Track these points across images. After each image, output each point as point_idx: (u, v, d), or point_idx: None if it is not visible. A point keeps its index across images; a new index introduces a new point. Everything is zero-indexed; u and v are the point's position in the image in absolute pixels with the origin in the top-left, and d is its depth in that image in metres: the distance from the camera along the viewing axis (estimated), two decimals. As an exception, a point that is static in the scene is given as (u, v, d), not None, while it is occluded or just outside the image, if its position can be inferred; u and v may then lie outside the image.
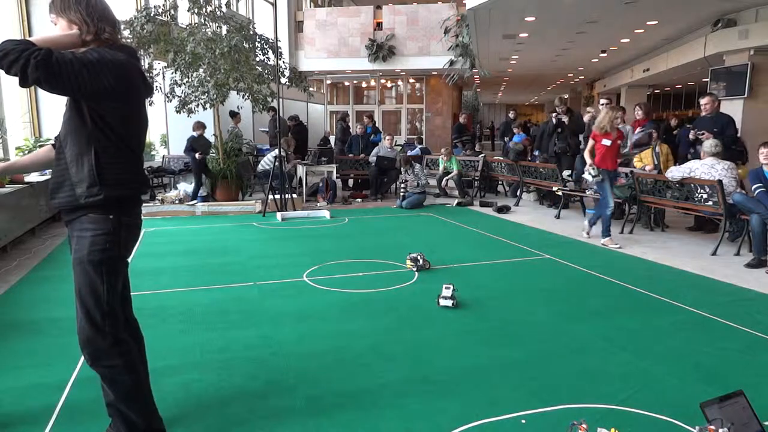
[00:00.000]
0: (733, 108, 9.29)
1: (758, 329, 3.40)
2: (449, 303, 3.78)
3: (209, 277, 4.57)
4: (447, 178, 9.60)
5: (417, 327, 3.48)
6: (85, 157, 1.86)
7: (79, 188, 1.87)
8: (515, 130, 10.06)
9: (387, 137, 10.19)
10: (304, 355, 3.05)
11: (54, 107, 7.52)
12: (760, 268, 4.84)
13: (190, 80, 7.78)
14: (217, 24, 8.02)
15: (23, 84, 1.71)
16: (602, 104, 7.84)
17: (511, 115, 10.86)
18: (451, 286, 3.84)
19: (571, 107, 8.56)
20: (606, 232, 5.81)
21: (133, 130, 1.99)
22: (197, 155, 8.36)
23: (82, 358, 2.96)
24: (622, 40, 12.92)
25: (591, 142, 5.81)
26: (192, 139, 8.44)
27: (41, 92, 7.50)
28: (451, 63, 14.59)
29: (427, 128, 18.17)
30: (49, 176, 2.07)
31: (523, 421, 2.34)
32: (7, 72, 1.66)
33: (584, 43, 12.96)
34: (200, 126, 8.59)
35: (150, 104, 8.13)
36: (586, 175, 5.81)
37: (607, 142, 5.65)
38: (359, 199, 9.58)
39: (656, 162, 6.54)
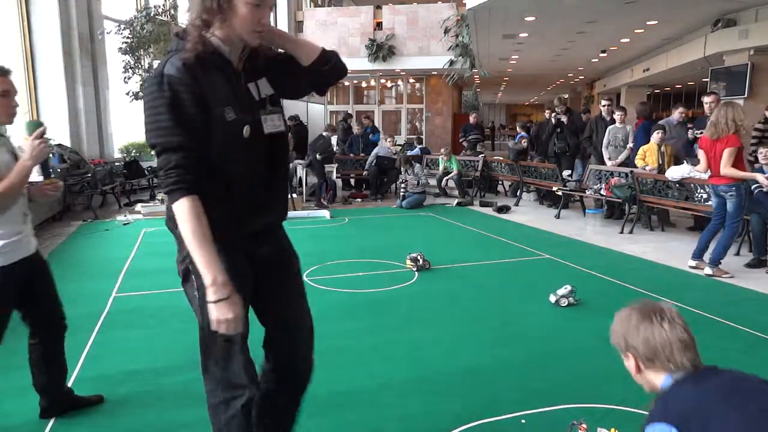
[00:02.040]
0: (733, 108, 9.29)
1: (758, 329, 3.39)
2: (564, 302, 3.81)
3: (209, 277, 4.57)
4: (447, 178, 9.60)
5: (417, 327, 3.48)
6: None
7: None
8: (517, 130, 10.08)
9: (388, 140, 10.21)
10: (304, 355, 3.04)
11: (54, 107, 7.52)
12: (760, 268, 4.84)
13: (190, 80, 7.77)
14: (217, 24, 8.01)
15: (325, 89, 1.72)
16: (603, 105, 7.85)
17: (547, 114, 10.78)
18: (570, 287, 3.87)
19: (570, 107, 8.55)
20: (716, 261, 4.64)
21: None
22: (318, 156, 8.65)
23: (83, 358, 2.97)
24: (622, 40, 12.92)
25: (731, 150, 4.40)
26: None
27: (41, 92, 7.49)
28: (451, 63, 14.58)
29: (427, 128, 18.17)
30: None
31: (523, 421, 2.34)
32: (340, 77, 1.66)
33: (584, 43, 12.97)
34: (331, 128, 9.33)
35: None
36: None
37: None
38: (359, 199, 9.58)
39: (660, 162, 6.49)
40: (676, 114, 7.03)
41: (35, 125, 2.14)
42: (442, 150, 10.14)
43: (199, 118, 1.39)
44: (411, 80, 18.41)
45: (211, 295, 1.40)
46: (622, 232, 6.47)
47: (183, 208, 1.39)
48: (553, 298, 3.85)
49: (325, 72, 1.58)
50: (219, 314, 1.41)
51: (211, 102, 1.42)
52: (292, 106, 13.45)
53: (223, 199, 1.48)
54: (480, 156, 9.99)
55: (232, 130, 1.45)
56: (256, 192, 1.57)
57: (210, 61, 1.44)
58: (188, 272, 1.56)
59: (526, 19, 10.27)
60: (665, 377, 1.26)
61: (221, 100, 1.44)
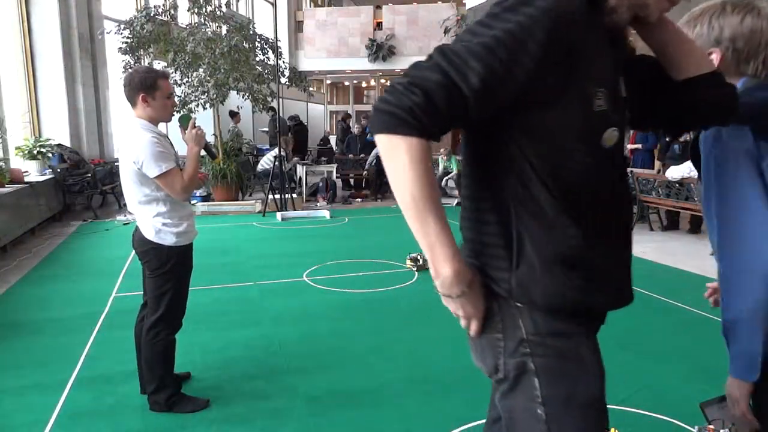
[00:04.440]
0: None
1: (758, 329, 3.39)
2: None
3: (209, 277, 4.57)
4: (447, 178, 9.59)
5: (417, 327, 3.48)
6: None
7: None
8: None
9: None
10: (304, 355, 3.05)
11: (54, 107, 7.52)
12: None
13: (190, 80, 7.79)
14: (217, 24, 8.02)
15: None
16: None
17: None
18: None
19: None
20: None
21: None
22: None
23: (83, 358, 2.97)
24: (622, 40, 12.93)
25: None
26: None
27: (41, 92, 7.49)
28: (451, 63, 14.57)
29: (427, 128, 18.17)
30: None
31: (523, 421, 2.33)
32: None
33: (584, 43, 12.98)
34: None
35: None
36: None
37: None
38: (359, 199, 9.58)
39: None
40: None
41: (188, 118, 2.57)
42: (442, 150, 10.13)
43: (525, 80, 0.82)
44: (411, 80, 18.40)
45: (447, 285, 0.93)
46: (622, 232, 6.46)
47: (411, 150, 0.84)
48: None
49: (707, 95, 1.00)
50: (456, 306, 0.96)
51: (578, 70, 0.86)
52: (292, 106, 13.46)
53: (573, 242, 0.96)
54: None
55: (591, 127, 0.90)
56: (614, 245, 1.04)
57: (594, 15, 0.88)
58: (523, 371, 0.99)
59: (525, 19, 10.27)
60: None
61: (600, 75, 0.89)
